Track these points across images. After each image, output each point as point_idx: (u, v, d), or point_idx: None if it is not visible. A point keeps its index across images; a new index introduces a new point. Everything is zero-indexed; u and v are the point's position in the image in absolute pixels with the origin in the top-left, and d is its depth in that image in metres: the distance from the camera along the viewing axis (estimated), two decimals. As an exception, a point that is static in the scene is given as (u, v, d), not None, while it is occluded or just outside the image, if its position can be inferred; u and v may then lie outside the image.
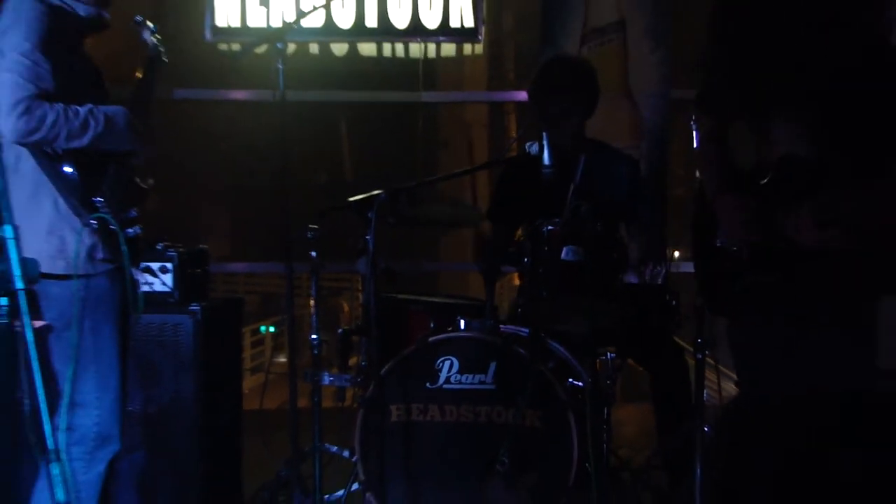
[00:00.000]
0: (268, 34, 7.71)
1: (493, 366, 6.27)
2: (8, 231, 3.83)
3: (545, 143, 6.51)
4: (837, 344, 4.97)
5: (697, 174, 5.35)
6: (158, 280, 6.37)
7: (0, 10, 5.33)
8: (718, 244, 5.17)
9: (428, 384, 6.31)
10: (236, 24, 9.23)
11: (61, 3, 5.40)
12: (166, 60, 5.91)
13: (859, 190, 4.79)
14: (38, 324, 5.12)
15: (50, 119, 5.18)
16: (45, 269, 5.01)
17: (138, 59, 5.84)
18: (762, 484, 2.95)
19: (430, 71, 9.77)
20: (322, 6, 8.88)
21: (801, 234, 4.78)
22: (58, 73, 5.29)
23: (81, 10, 5.47)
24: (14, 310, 3.91)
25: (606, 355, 6.75)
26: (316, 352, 7.07)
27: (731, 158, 5.21)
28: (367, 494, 6.41)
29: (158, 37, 5.91)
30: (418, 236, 9.24)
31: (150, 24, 5.89)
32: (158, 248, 6.34)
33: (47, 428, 3.96)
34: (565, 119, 7.09)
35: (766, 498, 2.87)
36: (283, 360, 9.72)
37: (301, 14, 8.53)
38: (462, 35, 9.29)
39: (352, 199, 6.70)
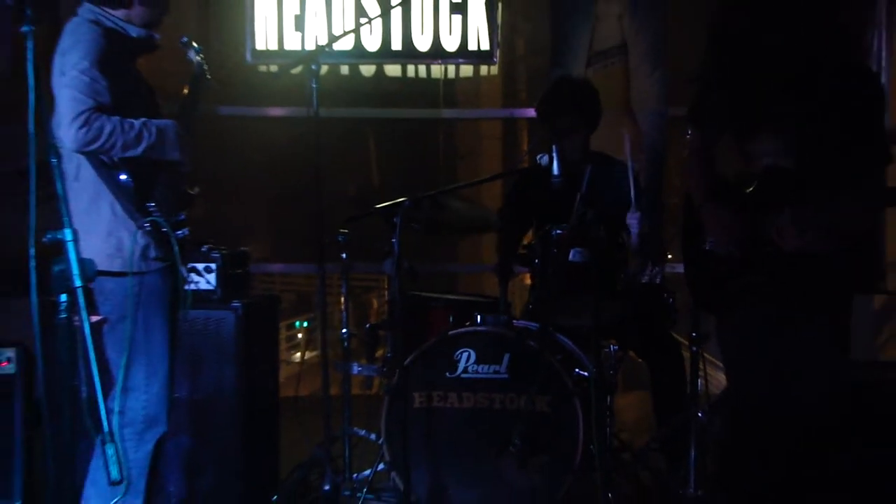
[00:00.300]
0: (303, 56, 7.71)
1: (506, 357, 6.29)
2: (67, 234, 3.86)
3: (555, 155, 6.53)
4: (816, 338, 5.00)
5: (686, 182, 5.39)
6: (203, 279, 6.40)
7: (60, 33, 5.38)
8: (707, 248, 5.20)
9: (447, 374, 6.33)
10: (274, 47, 9.24)
11: (115, 25, 5.44)
12: (210, 78, 5.93)
13: (834, 198, 4.83)
14: (95, 318, 5.15)
15: (107, 130, 5.21)
16: (102, 266, 5.05)
17: (185, 77, 5.87)
18: (752, 465, 2.97)
19: (449, 90, 9.78)
20: (352, 31, 8.90)
21: (783, 239, 4.81)
22: (113, 89, 5.31)
23: (133, 31, 5.50)
24: (73, 305, 3.93)
25: (609, 348, 6.78)
26: (346, 344, 7.14)
27: (715, 170, 5.25)
28: (392, 474, 6.43)
29: (203, 56, 5.93)
30: (438, 240, 9.24)
31: (195, 44, 5.91)
32: (203, 249, 6.36)
33: (102, 412, 3.99)
34: (571, 133, 7.11)
35: (757, 477, 2.89)
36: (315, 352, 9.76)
37: (333, 38, 8.54)
38: (479, 57, 9.29)
39: (379, 206, 6.72)
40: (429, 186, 6.86)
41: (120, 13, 5.47)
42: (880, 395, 5.03)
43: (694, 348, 6.91)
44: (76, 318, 3.98)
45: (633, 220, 6.98)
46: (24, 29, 3.94)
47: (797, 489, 3.12)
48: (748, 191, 5.07)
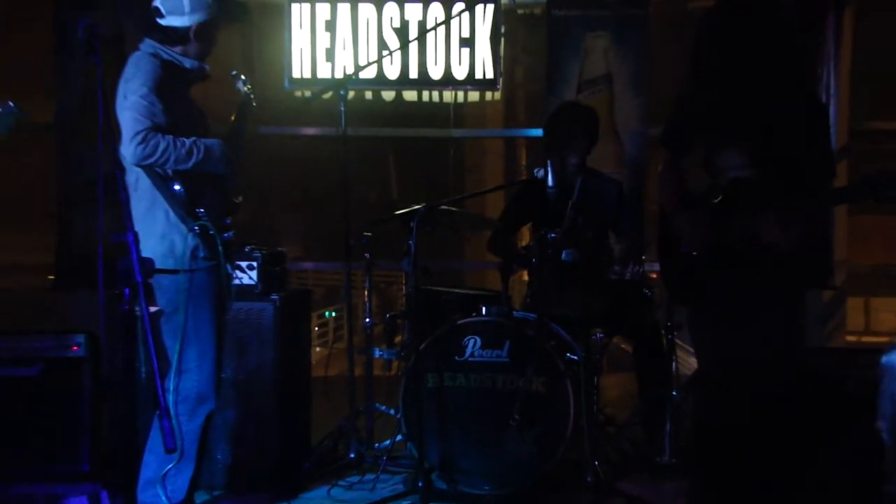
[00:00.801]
0: (333, 83, 7.75)
1: (507, 343, 6.29)
2: (130, 237, 3.88)
3: (550, 168, 6.57)
4: (774, 328, 5.01)
5: (660, 194, 5.41)
6: (246, 275, 6.41)
7: (125, 64, 5.41)
8: (683, 250, 5.21)
9: (456, 357, 6.33)
10: (308, 75, 9.22)
11: (171, 58, 5.47)
12: (255, 104, 5.95)
13: (792, 203, 4.87)
14: (153, 309, 5.17)
15: (161, 147, 5.25)
16: (158, 265, 5.06)
17: (232, 102, 5.88)
18: (718, 436, 2.99)
19: (458, 112, 9.78)
20: (374, 62, 8.91)
21: (769, 234, 4.82)
22: (168, 112, 5.35)
23: (187, 63, 5.53)
24: (134, 298, 3.95)
25: (596, 335, 6.82)
26: (368, 332, 7.15)
27: (685, 184, 5.26)
28: (409, 443, 6.42)
29: (250, 87, 5.95)
30: (449, 242, 9.25)
31: (243, 77, 5.93)
32: (246, 249, 6.37)
33: (160, 390, 4.00)
34: (574, 150, 7.12)
35: (722, 446, 2.91)
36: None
37: (359, 68, 8.54)
38: (484, 84, 9.28)
39: (397, 212, 6.74)
40: (440, 195, 6.88)
41: (178, 49, 5.51)
42: (827, 377, 5.07)
43: (669, 336, 6.95)
44: (137, 309, 3.99)
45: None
46: (94, 60, 3.95)
47: (757, 457, 3.13)
48: (715, 200, 5.08)
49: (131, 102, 5.27)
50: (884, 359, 3.03)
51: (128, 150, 5.21)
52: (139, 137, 5.22)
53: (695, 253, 5.15)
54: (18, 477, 6.12)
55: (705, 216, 5.09)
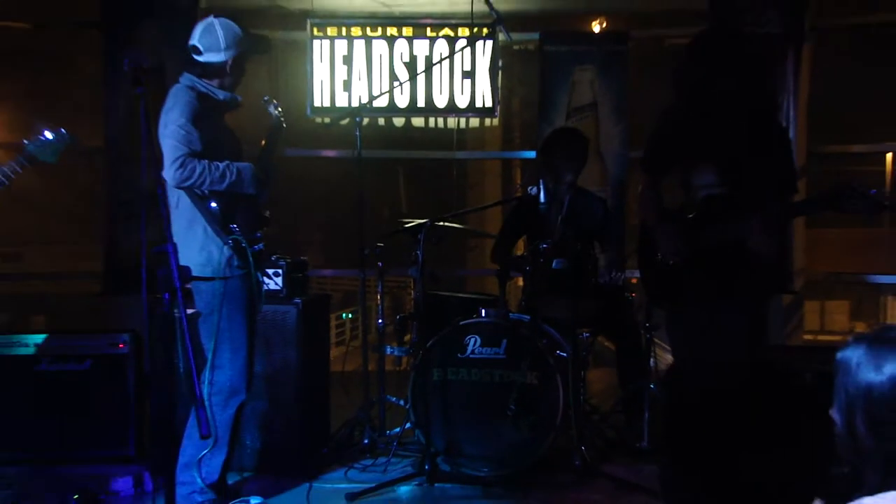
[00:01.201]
0: (349, 111, 7.75)
1: (504, 342, 6.29)
2: (170, 248, 3.90)
3: (542, 187, 6.59)
4: (742, 327, 5.03)
5: (639, 210, 5.45)
6: (273, 281, 6.42)
7: (166, 95, 5.44)
8: (660, 258, 5.23)
9: (459, 354, 6.33)
10: (327, 104, 9.21)
11: (207, 90, 5.49)
12: (285, 127, 5.97)
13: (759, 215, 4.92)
14: (191, 311, 5.19)
15: (198, 171, 5.29)
16: (196, 273, 5.09)
17: (261, 126, 5.90)
18: (690, 423, 2.98)
19: (461, 137, 9.80)
20: (386, 92, 8.92)
21: (752, 238, 4.88)
22: (204, 139, 5.38)
23: (221, 95, 5.55)
24: (174, 301, 3.96)
25: (583, 335, 6.83)
26: (381, 331, 7.14)
27: (662, 202, 5.28)
28: (417, 431, 6.43)
29: (280, 111, 5.97)
30: (452, 251, 9.26)
31: (275, 101, 5.96)
32: (273, 258, 6.38)
33: (196, 383, 4.01)
34: (566, 170, 7.13)
35: (695, 436, 2.90)
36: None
37: (372, 97, 8.55)
38: (484, 112, 9.28)
39: (407, 224, 6.76)
40: (444, 210, 6.89)
41: (214, 81, 5.54)
42: (787, 372, 5.09)
43: (647, 335, 6.95)
44: (176, 311, 4.01)
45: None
46: (138, 91, 3.97)
47: (723, 442, 3.11)
48: (690, 216, 5.11)
49: (171, 131, 5.31)
50: (839, 355, 3.04)
51: (168, 173, 5.25)
52: (178, 163, 5.27)
53: (671, 262, 5.19)
54: (71, 460, 6.15)
55: (681, 230, 5.12)
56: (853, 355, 2.97)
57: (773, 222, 5.18)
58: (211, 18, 5.60)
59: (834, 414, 3.00)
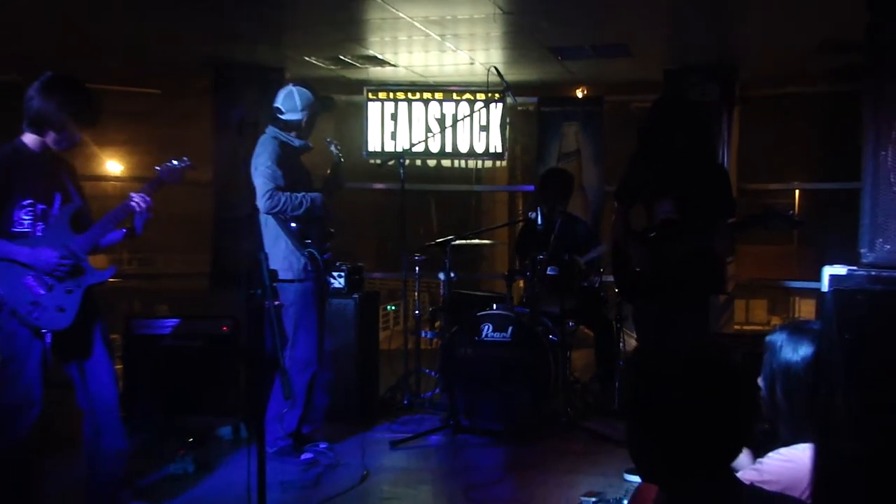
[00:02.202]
0: (395, 154, 7.75)
1: (510, 328, 6.28)
2: (261, 256, 3.91)
3: (539, 213, 6.62)
4: (690, 318, 5.03)
5: (613, 230, 5.48)
6: (337, 281, 6.44)
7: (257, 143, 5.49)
8: (630, 267, 5.25)
9: (476, 337, 6.32)
10: (378, 149, 9.20)
11: (286, 140, 5.57)
12: (343, 162, 5.98)
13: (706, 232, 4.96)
14: (276, 303, 5.19)
15: (282, 201, 5.39)
16: (281, 276, 5.07)
17: (327, 163, 5.91)
18: (650, 392, 2.96)
19: (478, 174, 9.76)
20: (423, 140, 8.92)
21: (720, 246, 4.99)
22: (285, 176, 5.46)
23: (297, 143, 5.61)
24: (265, 295, 3.97)
25: (569, 324, 6.80)
26: (418, 319, 7.15)
27: (629, 224, 5.29)
28: (443, 394, 6.46)
29: (340, 150, 5.98)
30: (470, 260, 9.26)
31: (335, 142, 5.97)
32: (337, 264, 6.41)
33: (280, 357, 4.01)
34: (557, 199, 7.10)
35: (653, 400, 2.88)
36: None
37: (412, 144, 8.55)
38: (495, 156, 9.25)
39: (437, 240, 6.78)
40: (465, 229, 6.90)
41: (292, 133, 5.57)
42: (721, 352, 5.12)
43: (618, 325, 6.94)
44: (266, 303, 4.01)
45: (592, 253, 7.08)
46: (240, 140, 3.99)
47: (671, 404, 3.11)
48: (651, 235, 5.11)
49: (261, 171, 5.43)
50: (768, 338, 3.06)
51: (260, 203, 5.41)
52: (267, 195, 5.39)
53: (637, 269, 5.19)
54: (187, 413, 6.17)
55: (644, 245, 5.13)
56: (778, 339, 2.98)
57: (724, 236, 5.24)
58: (290, 86, 5.66)
59: (760, 382, 3.01)
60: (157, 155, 4.62)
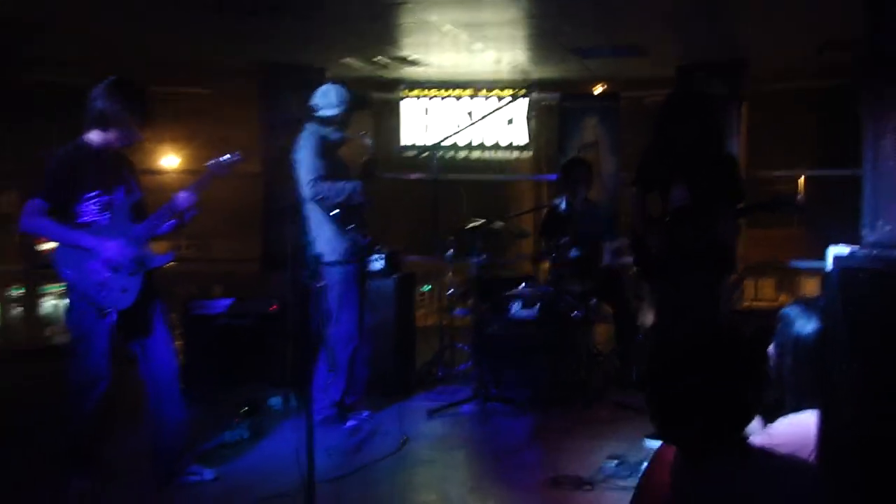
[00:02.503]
0: (428, 147, 7.75)
1: (537, 306, 6.31)
2: (307, 240, 3.92)
3: (563, 200, 6.66)
4: (702, 297, 5.01)
5: (631, 215, 5.47)
6: (377, 263, 6.45)
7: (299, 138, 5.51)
8: (648, 249, 5.24)
9: (506, 315, 6.36)
10: (412, 142, 9.28)
11: (324, 134, 5.56)
12: (376, 155, 5.99)
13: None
14: (321, 283, 5.21)
15: (324, 189, 5.39)
16: (326, 259, 5.13)
17: (361, 156, 5.93)
18: (665, 361, 2.95)
19: (505, 164, 9.77)
20: (453, 134, 8.91)
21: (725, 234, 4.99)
22: (326, 166, 5.46)
23: (334, 136, 5.59)
24: (311, 276, 3.99)
25: (591, 301, 6.78)
26: (450, 298, 7.17)
27: (647, 209, 5.26)
28: (475, 367, 6.45)
29: (373, 142, 5.99)
30: (500, 243, 9.25)
31: (368, 134, 5.98)
32: (376, 248, 6.42)
33: (325, 332, 4.04)
34: (579, 185, 7.11)
35: (666, 368, 2.88)
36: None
37: (443, 138, 8.55)
38: (521, 148, 9.28)
39: (468, 226, 6.78)
40: (494, 214, 6.90)
41: (329, 128, 5.58)
42: (732, 327, 5.10)
43: (636, 302, 6.94)
44: (312, 283, 4.03)
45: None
46: (285, 135, 4.01)
47: (687, 373, 3.11)
48: (666, 220, 5.09)
49: (303, 163, 5.46)
50: (782, 311, 3.07)
51: (304, 191, 5.42)
52: (311, 184, 5.40)
53: (654, 251, 5.17)
54: (241, 383, 6.21)
55: (661, 229, 5.11)
56: (792, 312, 2.98)
57: (733, 220, 5.23)
58: (328, 84, 5.68)
59: (771, 350, 3.01)
60: (210, 150, 4.65)
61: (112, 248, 4.20)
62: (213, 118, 9.70)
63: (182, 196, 4.40)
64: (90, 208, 4.25)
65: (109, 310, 4.22)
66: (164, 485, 4.46)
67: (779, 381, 3.06)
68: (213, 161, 4.55)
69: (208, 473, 4.57)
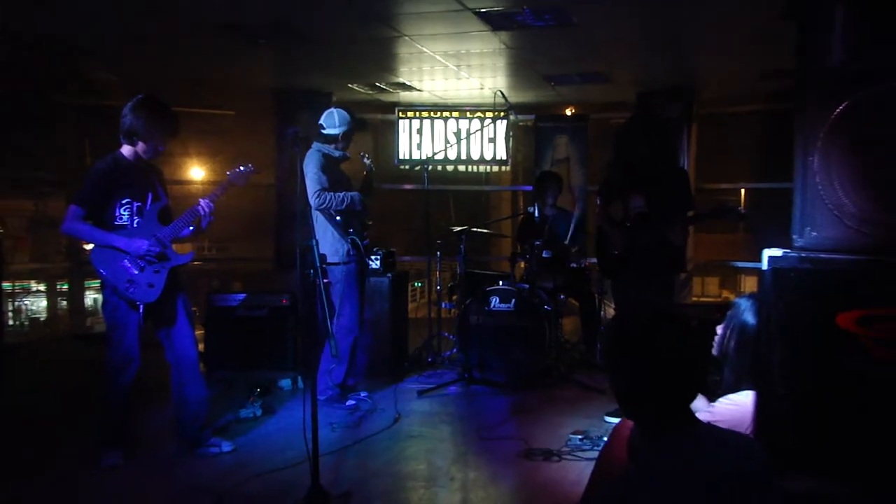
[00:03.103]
0: (421, 161, 7.75)
1: (513, 300, 6.24)
2: (313, 243, 3.89)
3: (536, 207, 6.64)
4: (657, 292, 5.00)
5: (595, 220, 5.42)
6: (374, 263, 6.41)
7: (306, 155, 5.48)
8: (610, 250, 5.22)
9: (486, 308, 6.27)
10: (407, 156, 9.23)
11: (328, 151, 5.53)
12: (374, 171, 5.94)
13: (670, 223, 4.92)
14: (325, 281, 5.18)
15: (328, 199, 5.35)
16: (329, 259, 5.13)
17: (360, 170, 5.90)
18: (623, 346, 2.96)
19: (487, 176, 9.77)
20: (442, 150, 8.90)
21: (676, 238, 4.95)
22: (329, 179, 5.43)
23: (336, 153, 5.56)
24: (316, 275, 3.97)
25: (560, 297, 6.78)
26: (439, 293, 7.12)
27: (611, 215, 5.24)
28: (460, 354, 6.42)
29: (371, 161, 5.94)
30: (481, 245, 9.24)
31: (367, 155, 5.94)
32: (374, 250, 6.38)
33: (329, 325, 4.01)
34: (550, 196, 7.11)
35: (627, 354, 2.89)
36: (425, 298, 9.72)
37: (435, 153, 8.52)
38: (501, 162, 9.24)
39: (455, 229, 6.75)
40: (476, 220, 6.88)
41: (332, 146, 5.55)
42: (683, 317, 5.12)
43: (599, 297, 6.92)
44: (317, 281, 4.01)
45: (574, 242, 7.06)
46: (295, 150, 3.99)
47: (643, 356, 3.14)
48: (626, 225, 5.07)
49: (309, 176, 5.40)
50: (735, 300, 3.13)
51: (311, 201, 5.36)
52: (316, 194, 5.36)
53: (616, 252, 5.15)
54: (255, 368, 6.16)
55: (621, 233, 5.10)
56: (743, 303, 3.05)
57: (683, 226, 5.22)
58: (332, 108, 5.66)
59: (719, 329, 3.05)
60: (231, 164, 4.62)
61: (140, 248, 4.21)
62: (235, 135, 9.68)
63: (203, 204, 4.39)
64: (123, 213, 4.27)
65: (138, 303, 4.23)
66: (187, 452, 4.46)
67: (724, 358, 3.10)
68: (232, 171, 4.55)
69: (227, 445, 4.55)
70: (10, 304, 10.16)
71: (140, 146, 4.29)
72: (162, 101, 4.34)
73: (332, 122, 5.56)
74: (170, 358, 4.42)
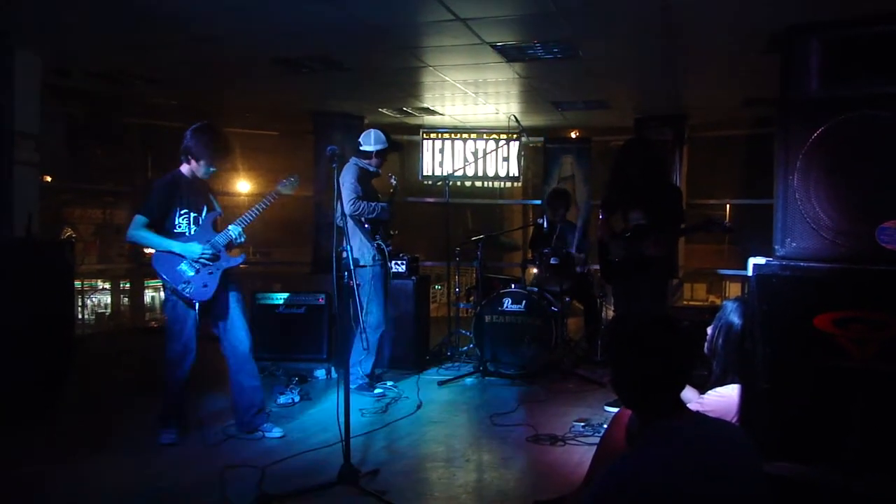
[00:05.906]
0: (443, 177, 7.75)
1: (524, 302, 6.24)
2: (347, 248, 3.91)
3: (545, 219, 6.64)
4: (651, 295, 4.98)
5: (598, 232, 5.39)
6: (399, 267, 6.42)
7: (343, 168, 5.49)
8: (611, 258, 5.20)
9: (499, 308, 6.27)
10: (430, 173, 9.25)
11: (364, 166, 5.57)
12: (399, 190, 5.95)
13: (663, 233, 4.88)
14: (356, 282, 5.19)
15: (362, 207, 5.38)
16: (360, 263, 5.12)
17: (390, 189, 5.91)
18: (621, 343, 2.97)
19: (501, 191, 9.74)
20: (461, 167, 8.92)
21: (650, 250, 4.87)
22: (363, 191, 5.45)
23: (371, 169, 5.60)
24: (349, 277, 3.99)
25: (566, 299, 6.76)
26: (457, 295, 7.12)
27: (612, 226, 5.23)
28: (475, 349, 6.42)
29: (396, 179, 5.95)
30: (495, 253, 9.23)
31: (394, 176, 5.94)
32: (400, 255, 6.39)
33: (361, 320, 4.03)
34: (559, 209, 7.10)
35: (625, 351, 2.89)
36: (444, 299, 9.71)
37: (455, 170, 8.54)
38: (513, 179, 9.24)
39: (473, 238, 6.75)
40: (492, 229, 6.86)
41: (367, 161, 5.58)
42: (674, 318, 5.11)
43: (601, 300, 6.90)
44: (350, 282, 4.03)
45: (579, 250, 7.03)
46: (333, 165, 4.01)
47: (640, 353, 3.13)
48: (626, 235, 5.06)
49: (346, 186, 5.42)
50: (724, 302, 3.13)
51: (346, 209, 5.35)
52: (351, 202, 5.37)
53: (616, 259, 5.14)
54: (293, 359, 6.20)
55: (621, 242, 5.08)
56: (731, 305, 3.05)
57: (673, 237, 5.20)
58: (371, 129, 5.67)
59: (709, 329, 3.04)
60: (275, 178, 4.65)
61: (195, 252, 4.25)
62: (277, 153, 9.73)
63: (231, 228, 4.39)
64: (181, 222, 4.33)
65: (194, 301, 4.26)
66: (242, 434, 4.47)
67: (712, 355, 3.09)
68: (281, 181, 4.59)
69: (277, 431, 4.51)
70: (79, 300, 10.23)
71: (194, 164, 4.35)
72: (216, 128, 4.41)
73: (369, 140, 5.60)
74: (226, 349, 4.43)
